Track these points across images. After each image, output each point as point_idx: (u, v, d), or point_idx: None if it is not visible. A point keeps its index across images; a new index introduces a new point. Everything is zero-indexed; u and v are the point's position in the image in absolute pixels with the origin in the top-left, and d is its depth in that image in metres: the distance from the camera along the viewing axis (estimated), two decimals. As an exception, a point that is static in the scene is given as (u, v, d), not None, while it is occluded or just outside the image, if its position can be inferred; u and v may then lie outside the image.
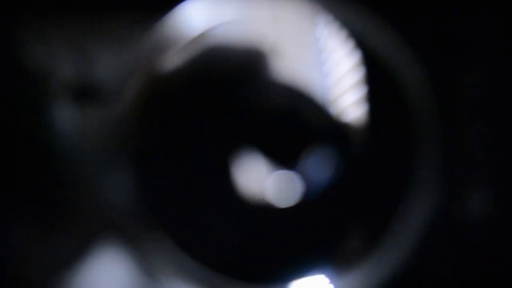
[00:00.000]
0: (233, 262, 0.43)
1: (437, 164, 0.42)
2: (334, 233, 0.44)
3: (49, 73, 0.42)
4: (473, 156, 0.43)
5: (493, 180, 0.43)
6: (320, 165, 0.43)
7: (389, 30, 0.43)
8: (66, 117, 0.42)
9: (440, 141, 0.42)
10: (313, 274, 0.43)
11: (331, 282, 0.43)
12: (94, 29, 0.42)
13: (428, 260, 0.42)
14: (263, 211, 0.43)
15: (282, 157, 0.43)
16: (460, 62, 0.43)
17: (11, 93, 0.43)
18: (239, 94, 0.44)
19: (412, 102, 0.43)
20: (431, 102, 0.43)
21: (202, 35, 0.43)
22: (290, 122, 0.44)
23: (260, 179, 0.43)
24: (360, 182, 0.44)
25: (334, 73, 0.44)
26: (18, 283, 0.42)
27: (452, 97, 0.43)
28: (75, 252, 0.42)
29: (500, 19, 0.43)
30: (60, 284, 0.42)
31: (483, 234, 0.43)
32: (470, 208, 0.43)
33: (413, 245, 0.42)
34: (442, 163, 0.42)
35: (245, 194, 0.43)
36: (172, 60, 0.43)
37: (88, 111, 0.42)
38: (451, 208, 0.43)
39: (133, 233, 0.42)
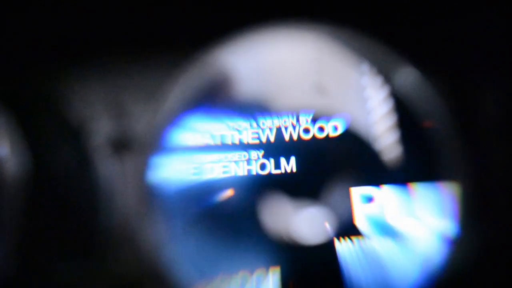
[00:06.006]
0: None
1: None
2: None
3: (90, 128, 0.46)
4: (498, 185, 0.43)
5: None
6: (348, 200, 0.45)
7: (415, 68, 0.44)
8: (108, 167, 0.46)
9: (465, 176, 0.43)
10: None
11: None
12: (128, 84, 0.46)
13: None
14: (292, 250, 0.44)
15: (310, 195, 0.45)
16: (478, 88, 0.44)
17: (59, 148, 0.46)
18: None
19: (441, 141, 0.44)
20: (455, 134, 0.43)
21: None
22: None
23: (287, 218, 0.44)
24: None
25: (376, 110, 0.46)
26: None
27: (476, 123, 0.44)
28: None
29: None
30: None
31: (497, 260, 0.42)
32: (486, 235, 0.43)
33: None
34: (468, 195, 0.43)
35: (273, 234, 0.44)
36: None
37: (127, 161, 0.45)
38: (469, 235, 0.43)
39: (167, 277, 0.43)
